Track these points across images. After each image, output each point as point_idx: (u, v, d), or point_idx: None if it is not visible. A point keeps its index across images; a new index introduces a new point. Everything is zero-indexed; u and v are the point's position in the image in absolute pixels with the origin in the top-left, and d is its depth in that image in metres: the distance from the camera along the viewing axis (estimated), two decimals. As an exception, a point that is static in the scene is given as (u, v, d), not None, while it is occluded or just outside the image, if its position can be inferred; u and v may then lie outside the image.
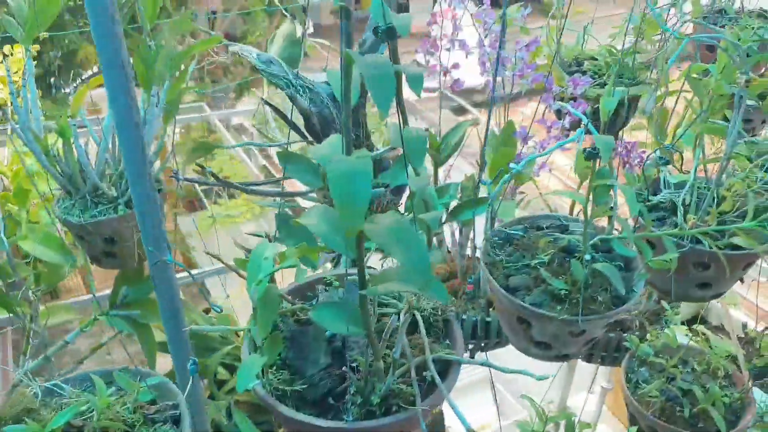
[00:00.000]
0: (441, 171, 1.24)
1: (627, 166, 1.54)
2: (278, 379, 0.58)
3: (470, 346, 1.12)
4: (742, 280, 0.84)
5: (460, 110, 4.37)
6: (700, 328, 2.75)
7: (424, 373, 0.58)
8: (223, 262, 0.89)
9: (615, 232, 0.78)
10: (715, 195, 0.79)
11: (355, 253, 0.50)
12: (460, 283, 1.19)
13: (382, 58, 0.40)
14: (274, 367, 0.60)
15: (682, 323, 2.60)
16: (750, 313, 2.84)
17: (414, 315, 0.64)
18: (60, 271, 1.02)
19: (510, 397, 2.71)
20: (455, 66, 1.27)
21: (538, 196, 1.32)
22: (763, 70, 1.58)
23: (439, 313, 0.67)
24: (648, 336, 1.26)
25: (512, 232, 0.80)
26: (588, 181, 0.66)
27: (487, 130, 1.09)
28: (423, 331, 0.61)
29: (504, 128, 1.18)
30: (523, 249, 0.78)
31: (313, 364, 0.59)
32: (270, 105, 1.07)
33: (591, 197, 0.67)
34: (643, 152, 1.64)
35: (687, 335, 2.62)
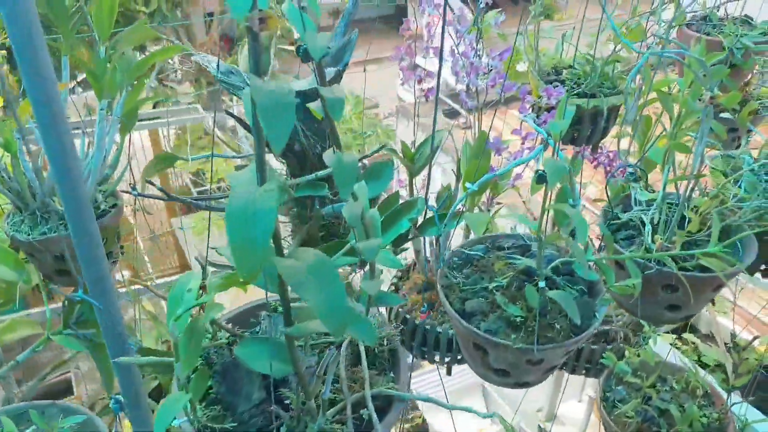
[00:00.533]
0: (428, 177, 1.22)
1: (609, 176, 1.50)
2: (207, 416, 0.54)
3: (447, 359, 1.09)
4: (713, 302, 0.81)
5: (453, 114, 4.33)
6: (689, 336, 2.71)
7: (362, 412, 0.55)
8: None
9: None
10: (685, 214, 0.76)
11: (277, 289, 0.47)
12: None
13: (284, 86, 0.36)
14: (205, 402, 0.56)
15: (672, 332, 2.57)
16: (742, 320, 2.81)
17: (357, 346, 0.60)
18: (13, 288, 0.99)
19: (502, 401, 2.67)
20: (429, 74, 1.23)
21: (512, 207, 1.28)
22: (749, 77, 1.55)
23: (386, 342, 0.63)
24: (627, 353, 1.23)
25: (471, 252, 0.77)
26: (543, 203, 0.62)
27: (479, 135, 1.06)
28: (365, 363, 0.58)
29: (477, 139, 1.15)
30: (481, 271, 0.75)
31: (245, 400, 0.55)
32: (231, 115, 1.04)
33: (546, 221, 0.64)
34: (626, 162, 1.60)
35: (674, 344, 2.59)
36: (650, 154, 0.81)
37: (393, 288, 1.47)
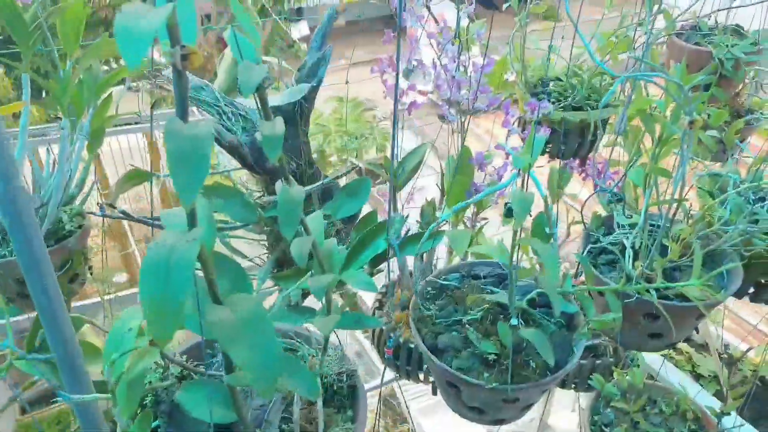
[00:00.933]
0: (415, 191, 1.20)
1: (599, 188, 1.47)
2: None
3: (432, 379, 1.06)
4: (697, 330, 0.77)
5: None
6: (684, 345, 2.68)
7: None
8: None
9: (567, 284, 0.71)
10: (665, 243, 0.73)
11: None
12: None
13: (203, 131, 0.32)
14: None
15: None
16: (738, 328, 2.77)
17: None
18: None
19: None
20: (411, 87, 1.20)
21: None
22: (740, 87, 1.51)
23: (345, 378, 0.60)
24: (615, 374, 1.19)
25: (446, 282, 0.73)
26: (513, 234, 0.59)
27: (462, 150, 1.03)
28: (320, 403, 0.54)
29: (459, 154, 1.12)
30: (456, 302, 0.71)
31: (193, 446, 0.52)
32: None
33: (519, 253, 0.60)
34: (615, 173, 1.57)
35: (668, 354, 2.54)
36: (631, 176, 0.78)
37: (377, 304, 1.44)
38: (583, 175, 1.51)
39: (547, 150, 1.34)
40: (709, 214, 0.83)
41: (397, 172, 1.24)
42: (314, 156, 1.04)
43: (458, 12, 1.13)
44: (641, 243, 0.75)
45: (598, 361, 1.35)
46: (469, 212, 1.21)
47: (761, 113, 1.52)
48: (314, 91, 0.96)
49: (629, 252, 0.75)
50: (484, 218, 1.29)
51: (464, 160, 1.09)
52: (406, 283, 1.45)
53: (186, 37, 0.36)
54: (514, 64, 1.30)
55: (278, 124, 0.43)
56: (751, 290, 0.90)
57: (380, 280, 1.16)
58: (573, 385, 1.35)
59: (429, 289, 0.74)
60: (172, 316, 0.31)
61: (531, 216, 0.64)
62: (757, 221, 0.81)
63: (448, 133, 1.25)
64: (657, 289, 0.74)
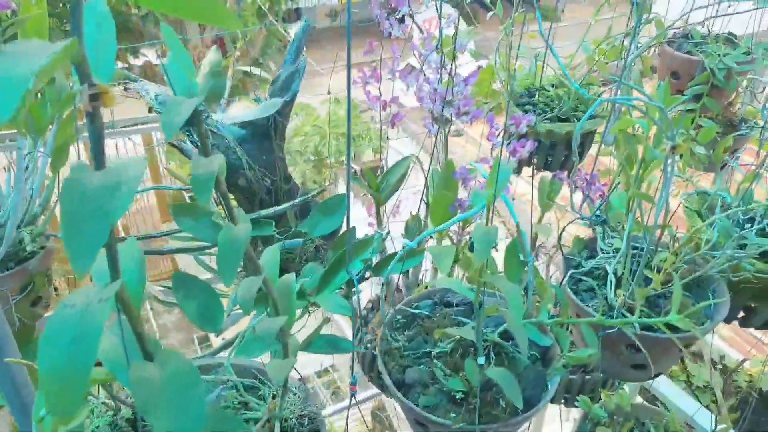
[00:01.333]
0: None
1: (588, 200, 1.44)
2: None
3: None
4: (683, 360, 0.74)
5: (444, 121, 4.26)
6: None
7: None
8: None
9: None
10: (646, 273, 0.69)
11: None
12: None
13: (124, 173, 0.29)
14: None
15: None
16: (736, 335, 2.74)
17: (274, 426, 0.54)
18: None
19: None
20: (394, 100, 1.17)
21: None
22: (733, 97, 1.48)
23: (307, 423, 0.57)
24: (602, 396, 1.16)
25: (416, 311, 0.70)
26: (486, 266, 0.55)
27: (446, 164, 1.00)
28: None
29: (443, 168, 1.09)
30: (427, 332, 0.68)
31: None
32: (175, 146, 0.97)
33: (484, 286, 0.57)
34: (604, 185, 1.53)
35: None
36: (613, 200, 0.75)
37: (362, 321, 1.40)
38: (572, 186, 1.48)
39: (533, 162, 1.30)
40: (697, 237, 0.80)
41: (381, 185, 1.21)
42: (291, 171, 1.01)
43: (440, 22, 1.10)
44: (623, 270, 0.72)
45: (587, 377, 1.32)
46: (455, 225, 1.18)
47: (755, 123, 1.48)
48: (288, 105, 0.92)
49: (611, 279, 0.72)
50: (470, 232, 1.26)
51: (447, 174, 1.06)
52: (392, 300, 1.41)
53: (101, 73, 0.33)
54: (499, 73, 1.26)
55: (215, 162, 0.39)
56: (741, 314, 0.87)
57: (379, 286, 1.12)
58: (562, 401, 1.32)
59: (399, 317, 0.70)
60: (74, 391, 0.28)
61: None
62: (745, 245, 0.78)
63: (439, 139, 1.22)
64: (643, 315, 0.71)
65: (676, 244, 0.78)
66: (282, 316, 0.49)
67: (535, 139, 1.22)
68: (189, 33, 7.44)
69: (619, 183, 0.73)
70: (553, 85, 1.28)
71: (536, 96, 1.26)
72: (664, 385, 1.87)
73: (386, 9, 1.09)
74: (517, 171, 1.35)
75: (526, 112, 1.22)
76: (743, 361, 2.23)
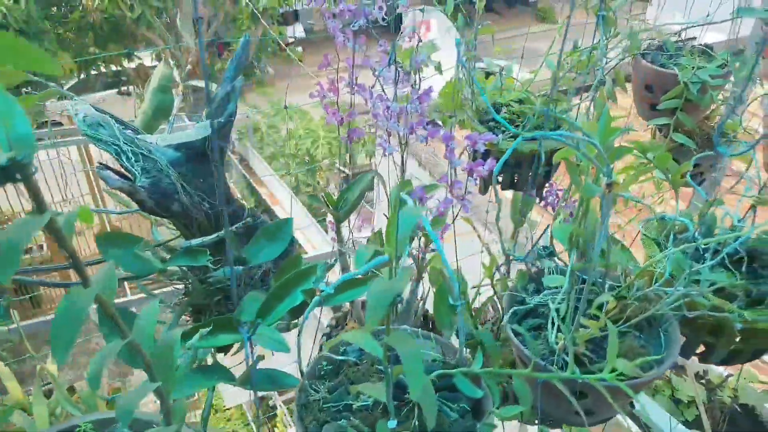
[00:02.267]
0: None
1: (555, 214, 1.39)
2: None
3: None
4: (633, 405, 0.69)
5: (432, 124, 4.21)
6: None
7: None
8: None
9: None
10: (590, 312, 0.64)
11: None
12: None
13: None
14: None
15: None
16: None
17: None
18: None
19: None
20: (350, 115, 1.13)
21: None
22: (710, 110, 1.43)
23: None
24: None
25: (343, 357, 0.65)
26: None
27: (400, 184, 0.94)
28: None
29: (398, 187, 1.04)
30: (352, 381, 0.63)
31: None
32: (109, 168, 0.92)
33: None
34: (575, 202, 1.49)
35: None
36: (554, 233, 0.70)
37: (325, 338, 1.36)
38: (543, 203, 1.43)
39: (499, 181, 1.26)
40: (651, 269, 0.75)
41: (339, 203, 1.17)
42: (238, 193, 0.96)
43: (395, 41, 1.06)
44: (567, 310, 0.67)
45: None
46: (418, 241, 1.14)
47: (734, 137, 1.44)
48: (225, 126, 0.87)
49: (553, 320, 0.67)
50: (433, 249, 1.21)
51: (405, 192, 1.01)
52: (357, 315, 1.37)
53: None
54: (464, 88, 1.21)
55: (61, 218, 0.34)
56: (701, 349, 0.82)
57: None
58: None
59: (324, 364, 0.65)
60: None
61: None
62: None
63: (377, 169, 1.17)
64: (585, 364, 0.66)
65: (629, 279, 0.74)
66: (160, 381, 0.44)
67: (497, 158, 1.18)
68: (184, 35, 7.36)
69: (557, 216, 0.68)
70: (518, 101, 1.23)
71: (502, 111, 1.21)
72: (645, 403, 1.82)
73: (341, 20, 1.04)
74: (483, 190, 1.30)
75: (490, 129, 1.17)
76: (728, 376, 2.18)
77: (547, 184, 1.38)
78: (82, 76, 7.23)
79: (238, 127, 7.03)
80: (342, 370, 0.65)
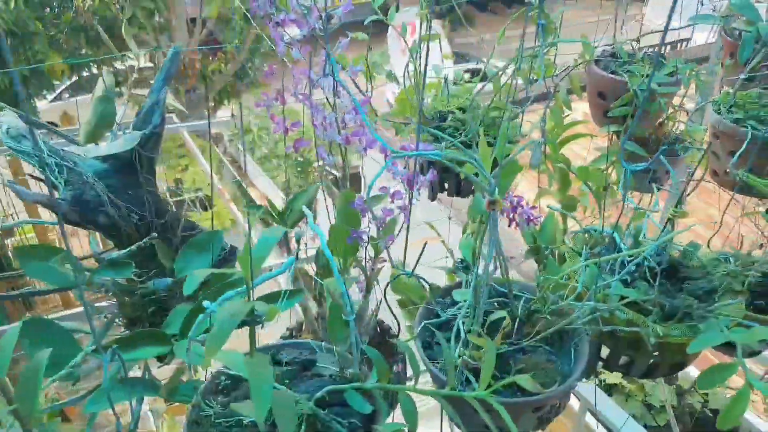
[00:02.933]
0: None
1: (514, 224, 1.38)
2: None
3: None
4: (542, 427, 0.69)
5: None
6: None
7: None
8: None
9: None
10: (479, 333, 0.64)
11: None
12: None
13: None
14: None
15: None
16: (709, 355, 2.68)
17: None
18: None
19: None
20: (295, 125, 1.12)
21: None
22: (663, 117, 1.43)
23: None
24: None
25: (235, 373, 0.64)
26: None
27: (343, 195, 0.95)
28: None
29: (341, 199, 1.04)
30: (247, 396, 0.62)
31: None
32: (34, 177, 0.91)
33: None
34: (533, 208, 1.48)
35: (620, 384, 2.45)
36: (460, 247, 0.69)
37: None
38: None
39: (445, 189, 1.25)
40: (571, 283, 0.75)
41: (286, 213, 1.16)
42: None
43: (327, 50, 1.05)
44: (473, 324, 0.67)
45: None
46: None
47: (689, 143, 1.44)
48: (151, 138, 0.87)
49: (457, 334, 0.67)
50: (384, 260, 1.21)
51: (345, 205, 1.01)
52: (311, 326, 1.36)
53: None
54: (410, 97, 1.21)
55: None
56: (623, 360, 0.81)
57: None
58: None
59: (222, 378, 0.65)
60: None
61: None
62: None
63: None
64: (495, 377, 0.66)
65: (547, 293, 0.73)
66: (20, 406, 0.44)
67: (444, 166, 1.17)
68: (177, 35, 7.37)
69: (469, 234, 0.68)
70: (461, 109, 1.23)
71: (448, 119, 1.21)
72: (608, 407, 1.82)
73: (282, 30, 1.04)
74: (432, 197, 1.30)
75: (435, 137, 1.17)
76: (696, 381, 2.18)
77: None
78: (74, 78, 7.22)
79: (231, 129, 7.03)
80: (242, 385, 0.64)
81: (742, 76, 1.13)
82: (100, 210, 0.86)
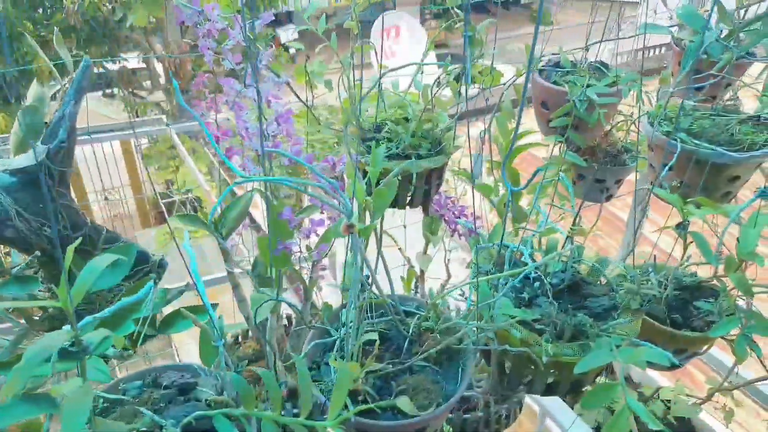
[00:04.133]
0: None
1: (455, 233, 1.38)
2: None
3: None
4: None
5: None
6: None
7: None
8: None
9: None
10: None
11: None
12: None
13: None
14: None
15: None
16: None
17: None
18: None
19: None
20: (225, 133, 1.12)
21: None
22: (609, 128, 1.42)
23: None
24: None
25: (115, 397, 0.64)
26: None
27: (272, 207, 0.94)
28: None
29: (270, 211, 1.03)
30: (129, 419, 0.62)
31: None
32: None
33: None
34: (477, 218, 1.47)
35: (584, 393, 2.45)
36: (345, 267, 0.69)
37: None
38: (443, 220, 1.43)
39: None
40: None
41: (219, 223, 1.16)
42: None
43: (251, 62, 1.05)
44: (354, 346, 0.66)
45: (466, 416, 1.27)
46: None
47: (636, 153, 1.43)
48: (60, 152, 0.87)
49: (347, 354, 0.66)
50: (323, 268, 1.20)
51: (273, 217, 1.00)
52: (255, 334, 1.36)
53: None
54: (346, 105, 1.21)
55: None
56: (526, 379, 0.81)
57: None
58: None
59: (101, 400, 0.64)
60: None
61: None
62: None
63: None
64: (383, 398, 0.65)
65: (435, 312, 0.73)
66: None
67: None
68: (169, 36, 7.36)
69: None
70: (406, 119, 1.22)
71: (384, 130, 1.20)
72: (563, 414, 1.81)
73: (209, 40, 1.04)
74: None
75: (369, 149, 1.16)
76: (658, 389, 2.17)
77: (437, 200, 1.38)
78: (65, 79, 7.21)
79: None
80: (117, 408, 0.64)
81: (672, 89, 1.12)
82: (7, 224, 0.85)
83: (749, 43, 1.30)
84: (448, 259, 1.47)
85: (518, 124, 0.59)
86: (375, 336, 0.64)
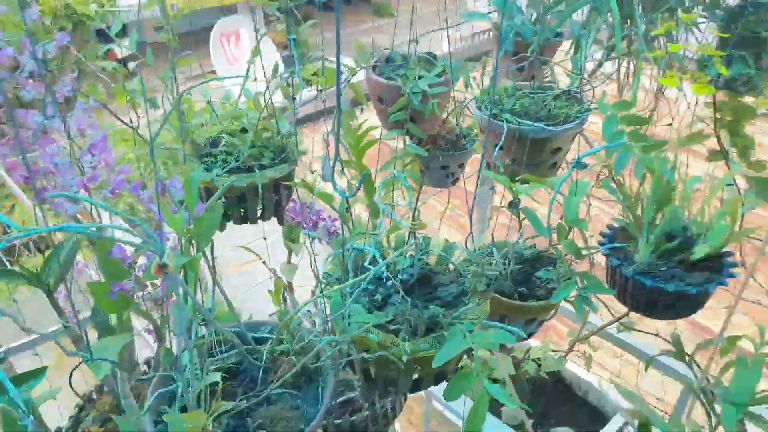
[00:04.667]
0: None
1: (314, 240, 1.34)
2: None
3: None
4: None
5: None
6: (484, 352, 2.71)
7: None
8: None
9: None
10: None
11: None
12: None
13: None
14: None
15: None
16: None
17: None
18: None
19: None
20: (36, 171, 0.98)
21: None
22: (446, 115, 1.48)
23: None
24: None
25: None
26: None
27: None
28: None
29: (98, 251, 0.92)
30: None
31: None
32: None
33: None
34: (335, 220, 1.45)
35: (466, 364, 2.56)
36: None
37: (74, 420, 1.21)
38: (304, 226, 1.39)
39: (230, 215, 1.18)
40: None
41: (44, 272, 1.02)
42: None
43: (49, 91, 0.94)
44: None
45: (353, 418, 1.24)
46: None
47: (474, 136, 1.50)
48: None
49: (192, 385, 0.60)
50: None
51: (103, 257, 0.89)
52: (110, 387, 1.22)
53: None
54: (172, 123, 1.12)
55: None
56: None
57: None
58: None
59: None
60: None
61: None
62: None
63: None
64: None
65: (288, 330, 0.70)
66: None
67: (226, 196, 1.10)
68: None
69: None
70: (243, 130, 1.17)
71: (221, 143, 1.14)
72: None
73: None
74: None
75: (206, 165, 1.09)
76: (528, 350, 2.34)
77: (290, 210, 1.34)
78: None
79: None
80: None
81: (492, 72, 1.19)
82: None
83: (555, 25, 1.41)
84: (315, 265, 1.44)
85: (338, 124, 0.57)
86: (217, 377, 0.59)
